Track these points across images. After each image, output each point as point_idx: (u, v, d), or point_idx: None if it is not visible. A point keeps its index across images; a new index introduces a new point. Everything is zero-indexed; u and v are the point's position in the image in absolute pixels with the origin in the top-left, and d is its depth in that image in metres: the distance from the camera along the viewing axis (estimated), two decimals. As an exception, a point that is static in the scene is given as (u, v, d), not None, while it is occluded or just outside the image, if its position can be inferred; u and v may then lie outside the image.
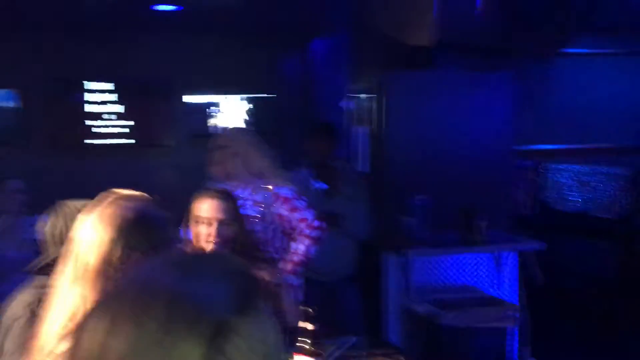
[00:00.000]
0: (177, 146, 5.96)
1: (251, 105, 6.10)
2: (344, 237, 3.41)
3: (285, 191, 2.79)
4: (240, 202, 2.53)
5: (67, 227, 1.81)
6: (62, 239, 1.81)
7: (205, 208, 2.23)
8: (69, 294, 1.28)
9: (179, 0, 4.64)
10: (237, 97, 6.09)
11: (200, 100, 6.00)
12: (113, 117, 5.74)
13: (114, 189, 1.41)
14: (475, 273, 3.56)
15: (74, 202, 1.91)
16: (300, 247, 2.76)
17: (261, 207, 2.74)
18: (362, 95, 3.78)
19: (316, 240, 2.77)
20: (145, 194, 1.42)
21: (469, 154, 3.59)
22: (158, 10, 4.86)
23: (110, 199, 1.35)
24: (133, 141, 5.78)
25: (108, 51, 5.69)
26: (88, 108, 5.67)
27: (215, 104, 6.03)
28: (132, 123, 5.79)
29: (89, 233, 1.29)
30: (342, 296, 3.44)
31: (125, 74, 5.76)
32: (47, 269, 1.78)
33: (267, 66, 6.15)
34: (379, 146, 3.58)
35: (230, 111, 6.07)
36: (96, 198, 1.38)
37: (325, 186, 3.43)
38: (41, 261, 1.80)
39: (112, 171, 5.64)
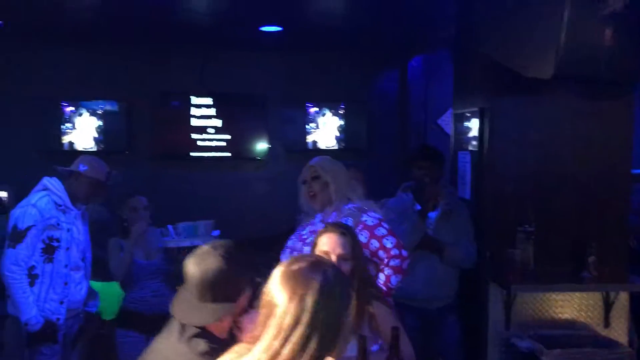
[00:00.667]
0: (272, 160, 6.10)
1: (344, 122, 6.14)
2: (446, 264, 3.36)
3: (368, 217, 2.75)
4: None
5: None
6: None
7: (325, 242, 2.26)
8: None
9: (281, 22, 4.75)
10: (332, 113, 6.15)
11: (295, 115, 6.10)
12: (212, 130, 5.94)
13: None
14: (582, 309, 3.40)
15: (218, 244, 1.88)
16: (380, 276, 2.69)
17: None
18: (466, 119, 3.71)
19: (397, 269, 2.68)
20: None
21: (581, 182, 3.43)
22: (263, 31, 5.00)
23: (299, 264, 1.33)
24: (229, 154, 5.96)
25: (211, 67, 5.92)
26: (193, 122, 5.90)
27: (311, 120, 6.10)
28: (229, 137, 5.97)
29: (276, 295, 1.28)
30: (442, 325, 3.38)
31: (223, 89, 5.95)
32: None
33: (363, 83, 6.20)
34: (483, 172, 3.49)
35: (325, 127, 6.13)
36: (288, 260, 1.37)
37: (431, 212, 3.40)
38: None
39: (211, 183, 5.86)
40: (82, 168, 3.34)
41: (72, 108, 5.74)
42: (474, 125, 3.61)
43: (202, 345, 1.75)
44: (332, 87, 6.10)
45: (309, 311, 1.23)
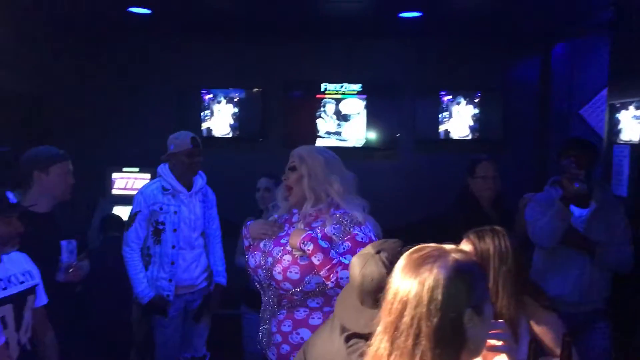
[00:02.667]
0: (402, 150, 6.03)
1: (479, 112, 5.93)
2: (599, 266, 3.14)
3: (361, 232, 2.46)
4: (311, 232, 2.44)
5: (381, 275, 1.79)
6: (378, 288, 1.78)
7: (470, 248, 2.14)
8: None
9: (423, 6, 4.65)
10: (466, 102, 5.95)
11: (428, 104, 5.98)
12: (342, 118, 5.96)
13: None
14: None
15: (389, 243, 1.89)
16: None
17: (328, 243, 2.45)
18: (624, 109, 3.42)
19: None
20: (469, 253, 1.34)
21: None
22: (402, 18, 4.93)
23: (424, 254, 1.28)
24: (358, 144, 5.95)
25: (345, 54, 5.95)
26: (324, 110, 5.96)
27: (444, 109, 5.95)
28: (359, 126, 5.96)
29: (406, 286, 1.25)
30: (589, 331, 3.17)
31: (356, 77, 5.95)
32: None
33: (500, 71, 5.95)
34: (643, 168, 3.22)
35: (458, 117, 5.96)
36: (412, 250, 1.32)
37: (582, 209, 3.19)
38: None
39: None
40: (171, 148, 3.58)
41: (211, 96, 6.00)
42: (633, 117, 3.33)
43: (362, 346, 1.77)
44: (467, 74, 5.90)
45: (436, 300, 1.19)
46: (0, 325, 2.31)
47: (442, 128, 5.98)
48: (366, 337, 1.83)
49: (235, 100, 6.01)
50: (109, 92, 5.89)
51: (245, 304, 3.96)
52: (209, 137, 5.91)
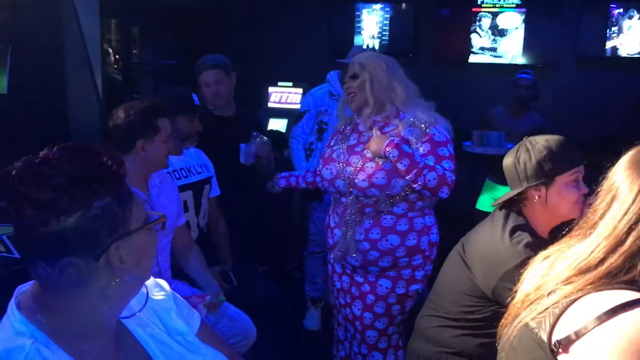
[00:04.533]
0: (563, 68, 5.69)
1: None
2: None
3: (437, 132, 2.45)
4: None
5: (532, 164, 1.91)
6: (526, 175, 1.93)
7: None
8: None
9: None
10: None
11: (594, 18, 5.53)
12: (496, 34, 5.72)
13: None
14: None
15: (541, 138, 1.96)
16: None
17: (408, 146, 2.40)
18: None
19: (435, 186, 2.36)
20: None
21: None
22: None
23: None
24: (515, 61, 5.70)
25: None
26: (476, 26, 5.75)
27: (614, 24, 5.49)
28: (516, 42, 5.69)
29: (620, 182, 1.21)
30: None
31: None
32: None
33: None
34: None
35: (630, 32, 5.47)
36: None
37: None
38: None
39: (493, 91, 5.71)
40: (351, 59, 3.65)
41: (364, 9, 6.01)
42: None
43: (526, 237, 1.81)
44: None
45: None
46: (182, 207, 2.63)
47: (609, 45, 5.54)
48: (530, 229, 1.88)
49: (385, 13, 5.96)
50: (265, 7, 6.09)
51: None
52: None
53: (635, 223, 1.16)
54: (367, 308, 2.62)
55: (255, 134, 3.14)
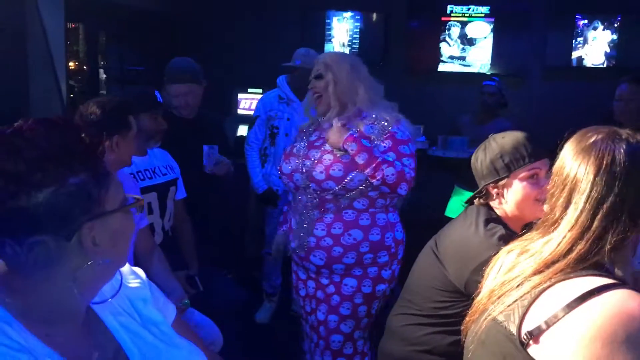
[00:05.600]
0: (530, 78, 5.78)
1: (617, 37, 5.51)
2: None
3: (399, 130, 2.48)
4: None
5: (487, 162, 1.94)
6: (483, 173, 1.95)
7: None
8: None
9: None
10: (603, 26, 5.55)
11: (561, 29, 5.65)
12: (465, 44, 5.79)
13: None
14: None
15: (500, 135, 1.97)
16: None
17: (368, 142, 2.45)
18: None
19: (394, 181, 2.39)
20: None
21: None
22: None
23: (595, 135, 1.23)
24: (484, 71, 5.77)
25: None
26: (446, 35, 5.81)
27: (579, 34, 5.61)
28: (484, 52, 5.77)
29: (571, 168, 1.23)
30: None
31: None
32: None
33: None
34: None
35: (594, 43, 5.60)
36: (579, 133, 1.28)
37: None
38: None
39: (461, 99, 5.76)
40: (297, 63, 3.91)
41: (334, 17, 6.02)
42: None
43: (499, 230, 1.81)
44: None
45: (618, 180, 1.16)
46: (146, 210, 2.57)
47: (575, 55, 5.66)
48: (503, 222, 1.88)
49: (355, 22, 5.99)
50: (236, 13, 6.06)
51: None
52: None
53: (597, 207, 1.17)
54: (332, 310, 2.59)
55: (208, 149, 3.15)
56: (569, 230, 1.20)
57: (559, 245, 1.20)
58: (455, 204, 4.65)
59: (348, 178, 2.43)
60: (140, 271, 1.27)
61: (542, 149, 1.92)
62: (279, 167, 2.73)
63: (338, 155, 2.45)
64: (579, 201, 1.19)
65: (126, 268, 1.22)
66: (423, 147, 4.81)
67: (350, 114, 2.54)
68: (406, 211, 4.00)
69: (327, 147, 2.50)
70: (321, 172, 2.47)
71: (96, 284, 1.07)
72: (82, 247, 0.98)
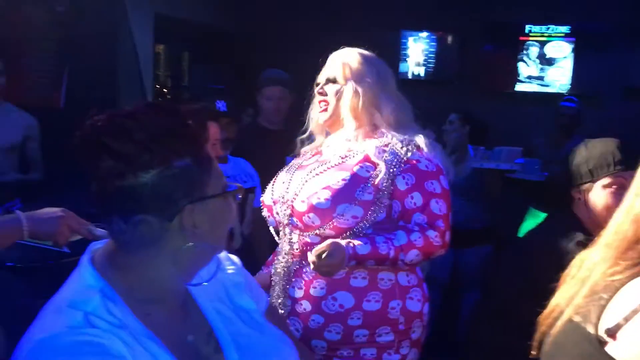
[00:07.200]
0: (608, 99, 5.62)
1: None
2: None
3: (423, 159, 1.84)
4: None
5: (574, 166, 1.90)
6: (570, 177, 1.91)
7: None
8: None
9: None
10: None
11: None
12: (542, 63, 5.71)
13: None
14: None
15: (592, 140, 1.94)
16: (400, 235, 1.79)
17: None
18: None
19: (426, 245, 1.78)
20: None
21: None
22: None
23: None
24: (560, 90, 5.67)
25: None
26: (522, 55, 5.76)
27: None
28: (561, 71, 5.67)
29: None
30: None
31: (567, 18, 5.62)
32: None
33: None
34: None
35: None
36: None
37: None
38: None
39: (540, 119, 5.65)
40: None
41: (410, 37, 6.09)
42: None
43: (579, 236, 1.80)
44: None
45: None
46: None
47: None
48: (583, 227, 1.87)
49: (431, 41, 6.03)
50: (312, 34, 6.21)
51: None
52: (403, 79, 6.03)
53: None
54: None
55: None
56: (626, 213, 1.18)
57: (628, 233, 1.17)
58: (530, 226, 4.56)
59: (337, 212, 1.78)
60: (235, 258, 1.29)
61: (633, 160, 1.88)
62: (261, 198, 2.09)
63: (332, 184, 1.80)
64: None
65: (222, 254, 1.22)
66: (516, 168, 4.57)
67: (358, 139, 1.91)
68: (477, 231, 3.99)
69: (320, 167, 1.91)
70: (302, 202, 1.82)
71: (194, 267, 1.10)
72: (183, 229, 1.01)
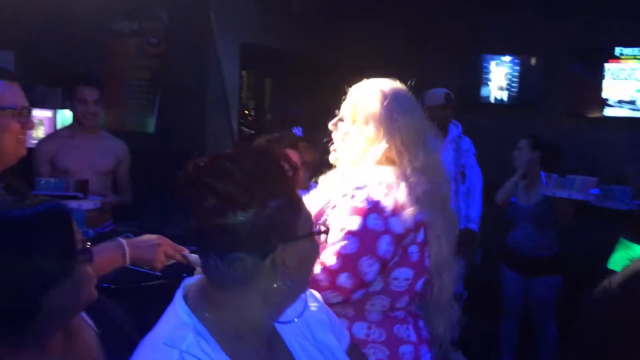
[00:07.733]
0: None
1: None
2: None
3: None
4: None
5: None
6: None
7: None
8: None
9: None
10: None
11: None
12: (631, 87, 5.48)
13: None
14: None
15: None
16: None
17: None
18: None
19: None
20: None
21: None
22: None
23: None
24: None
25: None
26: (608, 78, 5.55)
27: None
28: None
29: None
30: None
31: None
32: None
33: None
34: None
35: None
36: None
37: None
38: None
39: (631, 145, 5.41)
40: (427, 102, 3.71)
41: (492, 61, 6.01)
42: None
43: None
44: None
45: None
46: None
47: None
48: None
49: (514, 65, 5.92)
50: (391, 57, 6.23)
51: (504, 261, 4.00)
52: (485, 103, 5.94)
53: None
54: None
55: None
56: None
57: None
58: (621, 257, 4.34)
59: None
60: (318, 295, 1.32)
61: None
62: None
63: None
64: None
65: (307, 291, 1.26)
66: (590, 199, 4.39)
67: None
68: (545, 259, 3.84)
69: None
70: None
71: (283, 304, 1.12)
72: (275, 268, 1.05)
